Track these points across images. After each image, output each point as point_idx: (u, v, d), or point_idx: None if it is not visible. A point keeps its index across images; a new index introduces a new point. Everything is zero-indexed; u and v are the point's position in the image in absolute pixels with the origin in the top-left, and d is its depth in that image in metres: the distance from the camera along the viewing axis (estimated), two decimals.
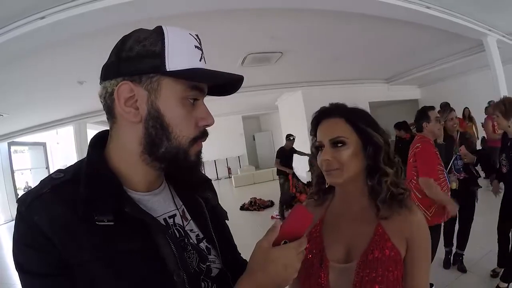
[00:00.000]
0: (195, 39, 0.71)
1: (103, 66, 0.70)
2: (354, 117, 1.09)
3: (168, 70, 0.65)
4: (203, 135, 0.72)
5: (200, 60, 0.70)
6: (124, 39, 0.68)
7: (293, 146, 7.30)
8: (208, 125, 0.73)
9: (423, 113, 2.98)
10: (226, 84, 0.74)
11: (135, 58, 0.65)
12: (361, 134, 1.07)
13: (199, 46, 0.71)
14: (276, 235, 0.69)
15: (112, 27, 3.81)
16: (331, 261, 1.06)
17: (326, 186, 1.18)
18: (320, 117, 1.14)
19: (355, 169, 1.06)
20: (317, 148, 1.12)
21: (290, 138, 7.07)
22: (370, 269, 0.98)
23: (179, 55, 0.66)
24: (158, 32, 0.66)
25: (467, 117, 8.17)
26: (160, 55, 0.64)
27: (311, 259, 1.10)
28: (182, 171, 0.74)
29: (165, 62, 0.64)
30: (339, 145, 1.06)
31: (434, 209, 2.76)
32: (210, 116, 0.72)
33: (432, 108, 3.04)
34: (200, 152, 0.73)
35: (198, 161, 0.73)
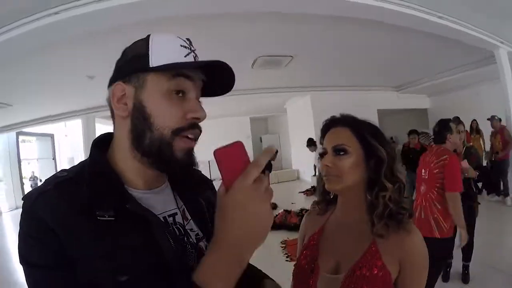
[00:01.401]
0: (184, 41, 0.75)
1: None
2: (360, 127, 1.10)
3: (151, 66, 0.70)
4: (190, 127, 0.72)
5: (185, 56, 0.73)
6: (124, 50, 0.76)
7: None
8: (198, 118, 0.73)
9: (446, 125, 2.99)
10: (221, 78, 0.77)
11: (127, 62, 0.73)
12: (364, 145, 1.07)
13: (187, 46, 0.75)
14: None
15: (125, 25, 3.85)
16: (321, 270, 1.07)
17: (331, 197, 1.21)
18: (329, 126, 1.16)
19: (354, 179, 1.07)
20: (322, 155, 1.14)
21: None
22: (355, 284, 0.98)
23: (162, 54, 0.71)
24: (146, 38, 0.73)
25: (475, 129, 8.12)
26: (145, 55, 0.70)
27: (304, 265, 1.12)
28: (174, 169, 0.75)
29: (148, 61, 0.70)
30: (341, 153, 1.07)
31: (451, 221, 2.74)
32: (201, 109, 0.74)
33: (452, 120, 3.07)
34: (190, 150, 0.74)
35: (188, 160, 0.74)
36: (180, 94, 0.72)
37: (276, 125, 18.46)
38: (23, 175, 13.01)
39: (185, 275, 0.66)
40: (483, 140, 8.17)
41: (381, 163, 1.05)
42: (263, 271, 0.93)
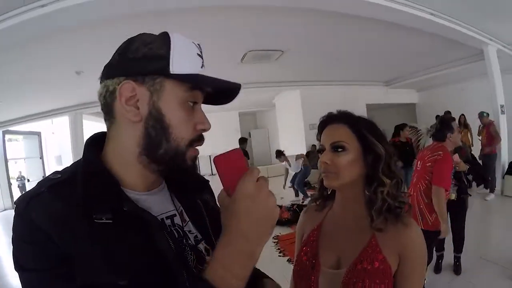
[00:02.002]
0: (197, 47, 0.72)
1: (106, 65, 0.71)
2: (358, 124, 1.10)
3: (172, 73, 0.66)
4: (200, 138, 0.73)
5: (201, 67, 0.72)
6: (130, 41, 0.70)
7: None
8: (205, 130, 0.73)
9: (448, 124, 3.06)
10: (223, 93, 0.76)
11: (141, 59, 0.66)
12: (362, 141, 1.08)
13: (201, 54, 0.73)
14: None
15: (114, 18, 3.77)
16: (322, 265, 1.08)
17: (329, 193, 1.21)
18: (326, 122, 1.15)
19: (352, 175, 1.07)
20: (319, 151, 1.14)
21: None
22: (357, 278, 0.99)
23: (183, 60, 0.67)
24: (164, 37, 0.68)
25: (463, 124, 8.25)
26: (165, 58, 0.66)
27: (305, 262, 1.13)
28: (178, 174, 0.75)
29: (169, 65, 0.66)
30: (339, 150, 1.07)
31: (435, 215, 2.84)
32: (207, 121, 0.74)
33: (454, 119, 3.13)
34: (196, 157, 0.74)
35: (194, 165, 0.74)
36: (192, 105, 0.71)
37: (264, 120, 18.49)
38: (11, 176, 12.77)
39: (186, 278, 0.65)
40: (471, 134, 8.33)
41: (378, 159, 1.06)
42: (257, 267, 0.92)
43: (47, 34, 4.32)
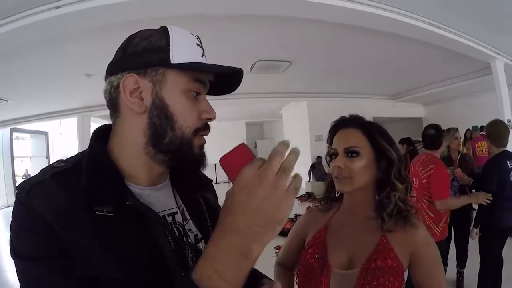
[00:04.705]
0: (196, 38, 0.74)
1: (109, 63, 0.73)
2: (371, 129, 1.12)
3: (172, 62, 0.67)
4: (205, 127, 0.73)
5: (201, 56, 0.73)
6: (130, 38, 0.72)
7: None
8: (211, 119, 0.74)
9: (441, 131, 3.09)
10: (226, 80, 0.77)
11: (141, 52, 0.68)
12: (375, 147, 1.09)
13: (200, 44, 0.74)
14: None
15: (126, 23, 3.81)
16: (333, 267, 1.06)
17: (337, 195, 1.21)
18: (338, 126, 1.16)
19: (364, 180, 1.08)
20: (331, 155, 1.15)
21: None
22: (371, 277, 0.99)
23: (182, 50, 0.69)
24: (163, 30, 0.70)
25: (469, 138, 8.21)
26: (165, 49, 0.67)
27: (312, 264, 1.11)
28: (187, 165, 0.74)
29: (169, 56, 0.67)
30: (353, 155, 1.08)
31: (442, 225, 2.87)
32: (212, 110, 0.74)
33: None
34: (203, 146, 0.74)
35: (202, 156, 0.74)
36: (196, 95, 0.71)
37: (271, 131, 18.48)
38: (16, 173, 12.87)
39: (184, 277, 0.64)
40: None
41: (391, 164, 1.08)
42: None
43: (60, 36, 4.36)
